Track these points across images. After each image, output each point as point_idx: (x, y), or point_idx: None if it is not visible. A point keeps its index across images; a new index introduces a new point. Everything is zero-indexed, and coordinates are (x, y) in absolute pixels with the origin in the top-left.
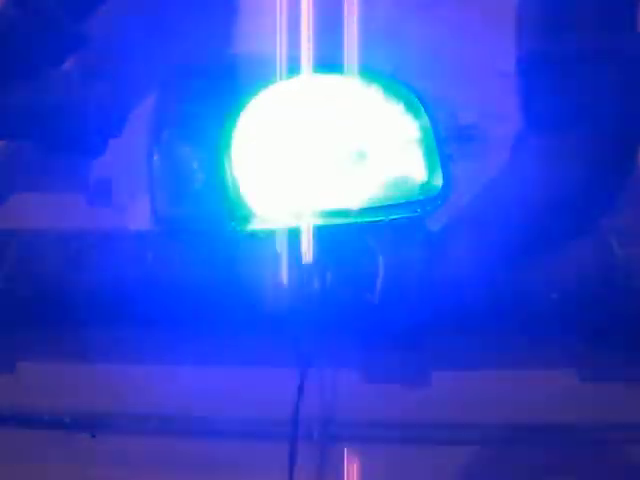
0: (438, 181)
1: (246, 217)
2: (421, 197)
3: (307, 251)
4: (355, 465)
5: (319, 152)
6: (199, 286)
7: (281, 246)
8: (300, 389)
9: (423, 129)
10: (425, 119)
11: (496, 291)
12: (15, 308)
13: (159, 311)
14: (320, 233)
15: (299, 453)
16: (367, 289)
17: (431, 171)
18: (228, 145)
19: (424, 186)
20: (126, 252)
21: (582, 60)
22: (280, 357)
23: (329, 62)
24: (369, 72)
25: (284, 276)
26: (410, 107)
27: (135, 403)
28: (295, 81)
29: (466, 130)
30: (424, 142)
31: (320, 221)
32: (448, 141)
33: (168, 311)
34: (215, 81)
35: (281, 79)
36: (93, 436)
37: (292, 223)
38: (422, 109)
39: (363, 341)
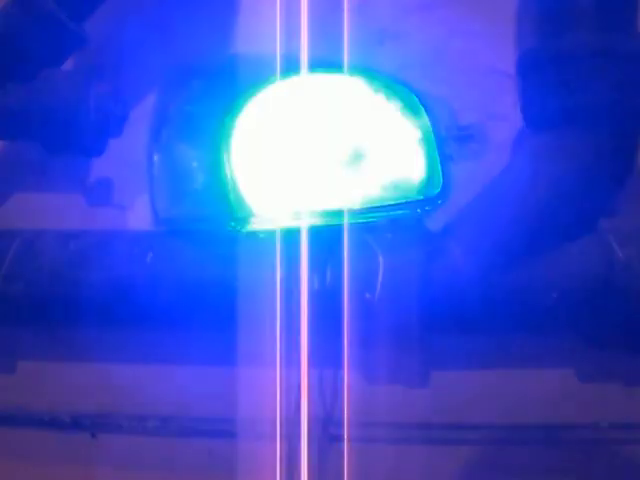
0: (438, 181)
1: (246, 217)
2: (421, 197)
3: (307, 251)
4: (355, 465)
5: (319, 152)
6: (199, 286)
7: (281, 246)
8: (300, 389)
9: (423, 129)
10: (425, 119)
11: (496, 291)
12: (15, 308)
13: (159, 311)
14: (320, 233)
15: (299, 453)
16: (367, 289)
17: (431, 171)
18: (228, 145)
19: (424, 186)
20: (126, 252)
21: (581, 59)
22: (280, 357)
23: (329, 62)
24: (369, 72)
25: (284, 276)
26: (410, 107)
27: (135, 403)
28: (295, 81)
29: (466, 130)
30: (424, 142)
31: (320, 221)
32: (448, 141)
33: (168, 311)
34: (215, 81)
35: (281, 79)
36: (93, 436)
37: (292, 223)
38: (422, 109)
39: (363, 341)
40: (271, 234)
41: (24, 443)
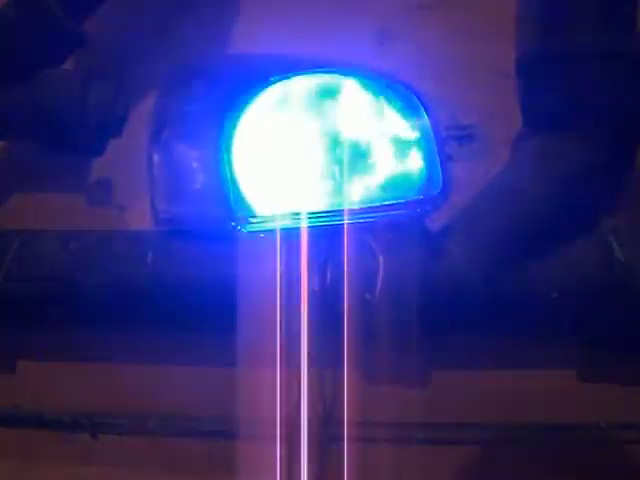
0: (438, 181)
1: (246, 217)
2: (421, 197)
3: (306, 251)
4: (355, 465)
5: (319, 152)
6: (199, 286)
7: (281, 246)
8: (300, 389)
9: (423, 129)
10: (425, 119)
11: (496, 291)
12: (15, 308)
13: (159, 311)
14: (320, 233)
15: (299, 453)
16: (367, 289)
17: (431, 171)
18: (228, 145)
19: (424, 186)
20: (126, 252)
21: (581, 60)
22: (280, 357)
23: (329, 62)
24: (368, 72)
25: (284, 276)
26: (410, 107)
27: (135, 403)
28: (295, 81)
29: (466, 130)
30: (424, 142)
31: (320, 221)
32: (448, 141)
33: (168, 311)
34: (215, 81)
35: (281, 79)
36: (93, 436)
37: (292, 223)
38: (422, 109)
39: (363, 341)
40: (271, 234)
41: (24, 443)
